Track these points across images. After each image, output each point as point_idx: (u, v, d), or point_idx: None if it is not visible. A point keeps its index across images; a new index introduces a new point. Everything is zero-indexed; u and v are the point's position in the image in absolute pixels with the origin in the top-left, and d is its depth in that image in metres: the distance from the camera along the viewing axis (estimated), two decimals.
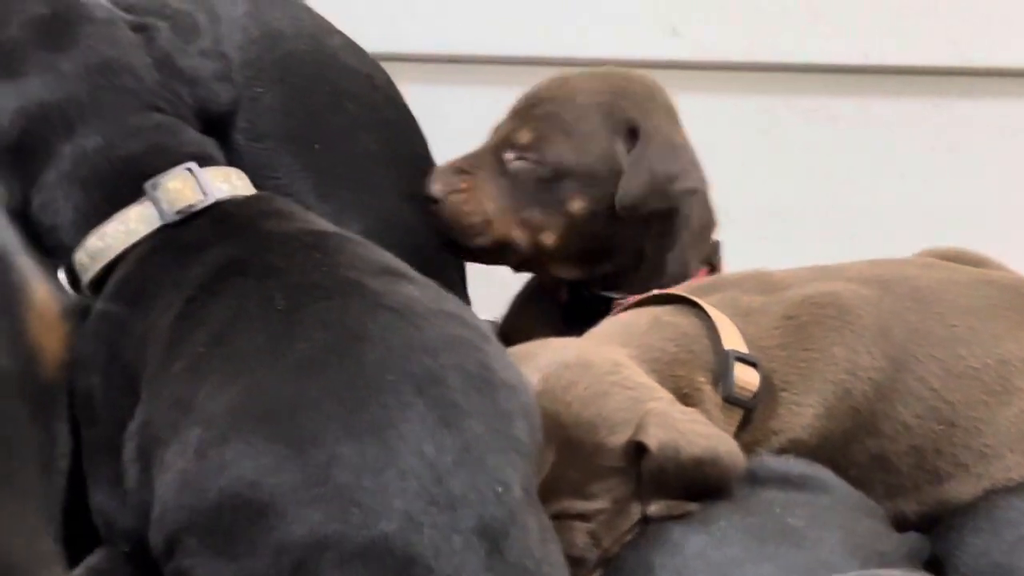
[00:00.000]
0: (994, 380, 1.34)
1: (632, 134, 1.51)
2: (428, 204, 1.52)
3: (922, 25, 1.98)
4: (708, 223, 1.59)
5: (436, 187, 1.51)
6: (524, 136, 1.52)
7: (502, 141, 1.54)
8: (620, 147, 1.51)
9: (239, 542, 1.02)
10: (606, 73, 1.59)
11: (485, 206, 1.52)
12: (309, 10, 1.61)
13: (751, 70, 2.02)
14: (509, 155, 1.52)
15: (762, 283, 1.39)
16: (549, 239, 1.53)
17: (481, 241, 1.52)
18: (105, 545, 1.17)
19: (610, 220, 1.51)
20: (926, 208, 1.99)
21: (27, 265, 0.65)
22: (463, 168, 1.53)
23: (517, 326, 1.62)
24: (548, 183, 1.51)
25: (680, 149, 1.54)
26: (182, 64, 1.34)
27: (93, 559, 1.16)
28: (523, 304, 1.66)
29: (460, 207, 1.52)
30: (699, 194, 1.55)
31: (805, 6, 1.99)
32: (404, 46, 1.92)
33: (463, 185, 1.52)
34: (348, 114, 1.53)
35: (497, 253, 1.55)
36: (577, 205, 1.51)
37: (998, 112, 2.02)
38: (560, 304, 1.60)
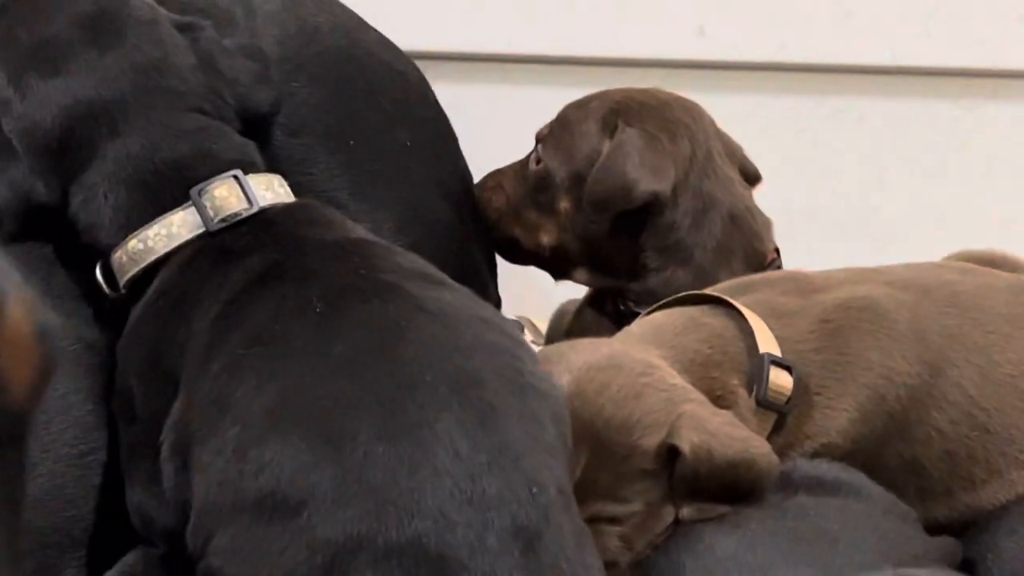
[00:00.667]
0: None
1: (614, 136, 1.54)
2: None
3: (950, 26, 1.97)
4: (736, 236, 1.57)
5: (479, 184, 1.60)
6: (543, 135, 1.59)
7: (536, 138, 1.59)
8: (605, 147, 1.53)
9: (274, 540, 1.01)
10: (631, 88, 1.62)
11: (498, 203, 1.59)
12: (344, 6, 1.61)
13: (778, 70, 2.01)
14: (535, 150, 1.58)
15: (798, 285, 1.38)
16: (546, 238, 1.58)
17: (497, 236, 1.60)
18: (141, 545, 1.17)
19: (596, 222, 1.54)
20: (954, 210, 1.98)
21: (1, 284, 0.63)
22: (504, 169, 1.61)
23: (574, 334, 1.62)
24: (545, 183, 1.56)
25: (656, 153, 1.53)
26: (223, 66, 1.33)
27: (129, 558, 1.16)
28: (579, 313, 1.67)
29: (484, 203, 1.60)
30: (709, 201, 1.55)
31: (832, 6, 1.98)
32: (435, 44, 1.91)
33: (491, 184, 1.60)
34: (383, 111, 1.52)
35: (511, 250, 1.61)
36: (563, 205, 1.56)
37: (1011, 115, 2.01)
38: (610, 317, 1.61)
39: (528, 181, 1.58)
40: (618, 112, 1.55)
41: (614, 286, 1.58)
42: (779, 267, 1.58)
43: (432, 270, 1.19)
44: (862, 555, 1.16)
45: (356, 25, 1.59)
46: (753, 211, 1.60)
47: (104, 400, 1.24)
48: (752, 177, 1.64)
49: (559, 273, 1.62)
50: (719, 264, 1.54)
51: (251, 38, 1.45)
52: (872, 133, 2.02)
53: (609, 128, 1.54)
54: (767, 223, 1.61)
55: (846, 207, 2.01)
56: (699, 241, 1.54)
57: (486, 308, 1.17)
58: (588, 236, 1.55)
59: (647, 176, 1.51)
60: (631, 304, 1.55)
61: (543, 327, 1.64)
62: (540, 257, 1.60)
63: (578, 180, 1.54)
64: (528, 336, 1.52)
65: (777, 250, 1.60)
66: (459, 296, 1.16)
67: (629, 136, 1.52)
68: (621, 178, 1.51)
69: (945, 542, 1.29)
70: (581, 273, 1.59)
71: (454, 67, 1.95)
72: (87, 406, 1.24)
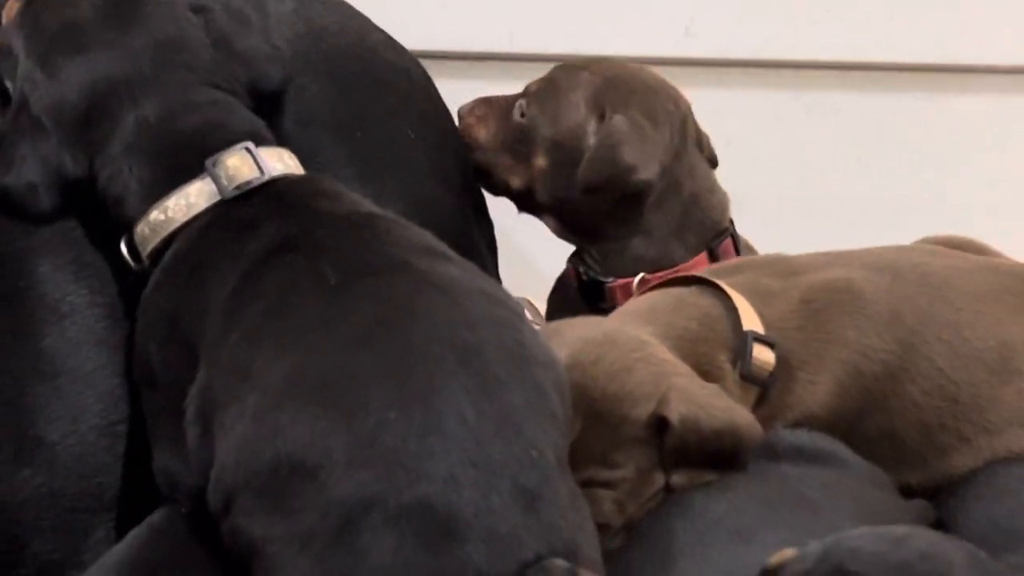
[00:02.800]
0: (997, 361, 1.33)
1: (602, 119, 1.56)
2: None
3: (917, 25, 1.98)
4: (693, 213, 1.60)
5: (466, 107, 1.65)
6: (531, 91, 1.61)
7: (523, 92, 1.63)
8: (591, 127, 1.56)
9: (291, 500, 1.02)
10: (621, 63, 1.64)
11: (479, 135, 1.62)
12: (351, 8, 1.61)
13: (758, 67, 2.02)
14: (520, 103, 1.61)
15: (780, 268, 1.39)
16: (516, 182, 1.61)
17: (473, 161, 1.63)
18: (166, 504, 1.17)
19: (570, 188, 1.57)
20: (922, 196, 1.99)
21: None
22: (492, 102, 1.64)
23: (552, 310, 1.66)
24: (525, 137, 1.59)
25: (644, 142, 1.55)
26: (237, 45, 1.34)
27: (154, 517, 1.16)
28: (555, 289, 1.70)
29: (467, 128, 1.64)
30: (674, 185, 1.57)
31: (808, 8, 1.99)
32: (436, 43, 1.91)
33: (478, 113, 1.64)
34: (387, 105, 1.53)
35: (483, 179, 1.64)
36: (540, 162, 1.59)
37: (987, 107, 2.02)
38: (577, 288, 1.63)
39: (510, 128, 1.61)
40: (606, 94, 1.58)
41: (575, 242, 1.62)
42: (734, 238, 1.62)
43: (438, 244, 1.19)
44: (841, 520, 1.15)
45: (362, 26, 1.60)
46: (712, 189, 1.63)
47: (129, 374, 1.24)
48: (711, 161, 1.66)
49: (526, 209, 1.65)
50: (675, 238, 1.58)
51: (264, 35, 1.45)
52: (846, 125, 2.03)
53: (597, 110, 1.57)
54: (725, 200, 1.64)
55: (823, 194, 2.02)
56: (660, 219, 1.57)
57: (490, 282, 1.17)
58: (559, 195, 1.58)
59: (641, 165, 1.53)
60: (593, 272, 1.59)
61: (542, 307, 1.65)
62: (508, 192, 1.63)
63: (557, 145, 1.57)
64: (528, 316, 1.53)
65: (732, 222, 1.63)
66: (464, 270, 1.16)
67: (618, 124, 1.54)
68: (615, 167, 1.53)
69: (918, 505, 1.30)
70: (549, 220, 1.63)
71: (454, 65, 1.96)
72: (114, 380, 1.25)
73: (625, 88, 1.59)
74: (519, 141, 1.60)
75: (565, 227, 1.62)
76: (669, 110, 1.59)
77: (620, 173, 1.53)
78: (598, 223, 1.58)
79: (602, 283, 1.57)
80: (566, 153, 1.56)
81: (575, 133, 1.57)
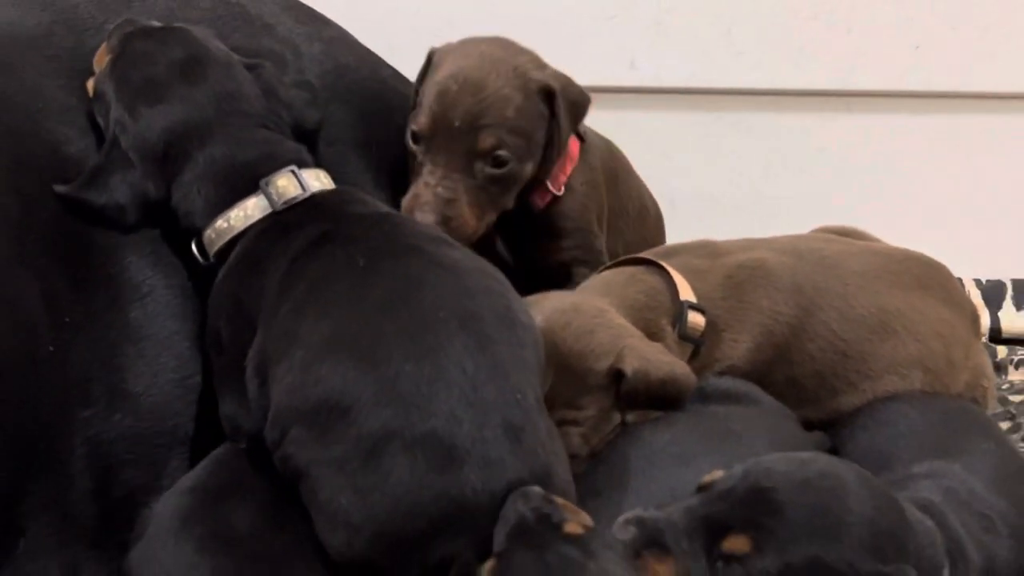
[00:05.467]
0: (876, 323, 1.36)
1: None
2: None
3: (813, 56, 1.96)
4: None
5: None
6: None
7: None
8: None
9: (330, 433, 1.03)
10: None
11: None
12: (366, 48, 1.60)
13: (689, 94, 1.99)
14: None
15: (709, 251, 1.40)
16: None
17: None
18: (226, 442, 1.18)
19: None
20: (818, 196, 1.97)
21: None
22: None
23: None
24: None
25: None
26: (281, 95, 1.34)
27: (218, 451, 1.17)
28: None
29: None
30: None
31: (727, 46, 1.96)
32: None
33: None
34: (396, 125, 1.50)
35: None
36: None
37: (869, 126, 2.01)
38: None
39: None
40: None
41: None
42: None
43: (442, 234, 1.20)
44: (758, 447, 1.18)
45: (375, 61, 1.59)
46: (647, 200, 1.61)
47: (198, 338, 1.25)
48: None
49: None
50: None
51: (299, 73, 1.46)
52: (759, 140, 2.01)
53: None
54: (657, 210, 1.62)
55: (742, 194, 2.00)
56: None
57: (482, 262, 1.18)
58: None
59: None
60: None
61: None
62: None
63: None
64: None
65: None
66: (464, 253, 1.17)
67: None
68: None
69: (817, 436, 1.32)
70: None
71: None
72: (186, 343, 1.26)
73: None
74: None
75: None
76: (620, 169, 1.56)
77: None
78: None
79: None
80: None
81: None
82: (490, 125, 1.33)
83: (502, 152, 1.34)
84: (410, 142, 1.36)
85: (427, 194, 1.33)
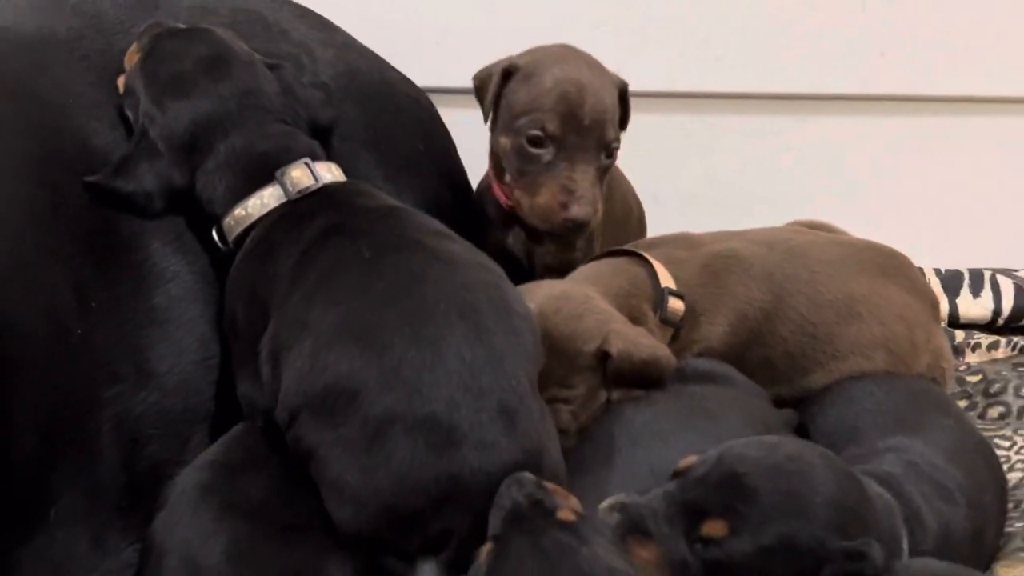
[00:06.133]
0: (842, 308, 1.32)
1: None
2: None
3: (782, 60, 1.91)
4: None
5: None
6: None
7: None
8: None
9: (337, 416, 1.01)
10: None
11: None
12: (374, 53, 1.57)
13: (666, 97, 1.94)
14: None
15: (687, 242, 1.37)
16: None
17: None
18: (245, 420, 1.15)
19: None
20: (789, 192, 1.92)
21: None
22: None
23: None
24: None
25: None
26: (298, 93, 1.31)
27: (236, 429, 1.14)
28: None
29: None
30: None
31: (703, 52, 1.91)
32: (437, 81, 1.84)
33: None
34: (403, 125, 1.49)
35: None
36: None
37: (838, 126, 1.96)
38: None
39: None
40: None
41: None
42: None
43: (444, 228, 1.17)
44: (733, 424, 1.15)
45: (384, 66, 1.56)
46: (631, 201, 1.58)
47: (218, 322, 1.22)
48: None
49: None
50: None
51: (314, 75, 1.42)
52: (735, 140, 1.96)
53: None
54: (640, 212, 1.59)
55: (719, 191, 1.96)
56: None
57: (482, 256, 1.15)
58: None
59: None
60: None
61: None
62: None
63: None
64: None
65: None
66: (464, 247, 1.14)
67: None
68: None
69: (787, 413, 1.29)
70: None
71: (451, 98, 1.90)
72: (206, 326, 1.22)
73: None
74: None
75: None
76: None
77: None
78: None
79: None
80: None
81: None
82: (610, 120, 1.34)
83: (616, 141, 1.36)
84: (528, 147, 1.33)
85: (581, 188, 1.31)
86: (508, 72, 1.37)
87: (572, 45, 1.42)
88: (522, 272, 1.42)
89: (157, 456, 1.15)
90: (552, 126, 1.32)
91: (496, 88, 1.36)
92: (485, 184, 1.49)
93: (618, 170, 1.54)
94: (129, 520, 1.10)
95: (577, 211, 1.31)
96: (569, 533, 0.92)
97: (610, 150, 1.36)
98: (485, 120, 1.40)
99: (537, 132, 1.33)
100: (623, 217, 1.54)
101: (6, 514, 0.98)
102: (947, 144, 1.94)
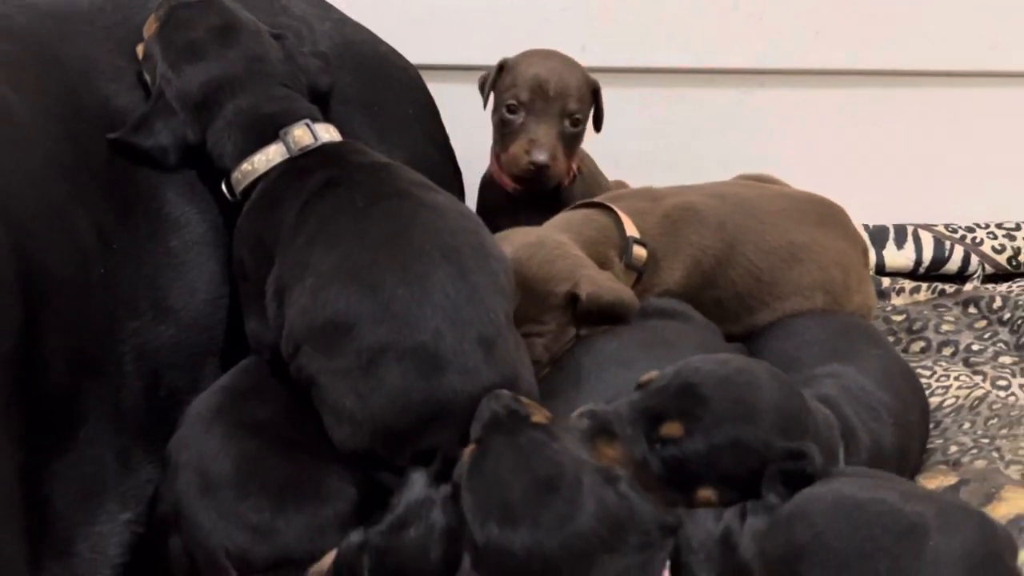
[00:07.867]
0: (786, 254, 1.30)
1: None
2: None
3: (731, 40, 1.88)
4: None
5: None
6: None
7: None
8: None
9: (335, 347, 0.99)
10: None
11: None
12: (368, 29, 1.52)
13: (632, 72, 1.91)
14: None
15: (650, 195, 1.35)
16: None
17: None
18: (252, 353, 1.13)
19: None
20: (733, 156, 1.83)
21: None
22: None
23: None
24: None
25: None
26: (300, 61, 1.27)
27: (245, 361, 1.12)
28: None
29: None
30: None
31: (664, 30, 1.88)
32: (424, 57, 1.79)
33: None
34: (394, 91, 1.46)
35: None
36: None
37: (779, 98, 1.93)
38: None
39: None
40: None
41: None
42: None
43: (429, 182, 1.14)
44: (688, 353, 1.09)
45: (376, 39, 1.52)
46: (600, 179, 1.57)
47: (227, 264, 1.20)
48: None
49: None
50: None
51: (313, 45, 1.38)
52: (688, 111, 1.93)
53: None
54: (608, 185, 1.57)
55: (674, 155, 1.91)
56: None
57: (462, 205, 1.13)
58: None
59: None
60: None
61: None
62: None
63: None
64: None
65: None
66: (446, 197, 1.12)
67: None
68: None
69: (736, 346, 1.27)
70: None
71: (437, 73, 1.84)
72: (216, 268, 1.19)
73: None
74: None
75: None
76: None
77: None
78: None
79: None
80: None
81: None
82: (572, 95, 1.44)
83: (579, 114, 1.44)
84: (506, 113, 1.44)
85: (540, 139, 1.41)
86: (501, 67, 1.48)
87: (557, 50, 1.50)
88: None
89: (175, 383, 1.13)
90: (524, 95, 1.43)
91: (492, 79, 1.48)
92: (488, 175, 1.52)
93: (589, 157, 1.56)
94: (150, 440, 1.08)
95: (536, 154, 1.40)
96: (542, 432, 0.92)
97: (574, 119, 1.44)
98: (484, 106, 1.50)
99: (512, 101, 1.44)
100: (598, 190, 1.52)
101: (42, 433, 0.97)
102: (876, 113, 1.93)
